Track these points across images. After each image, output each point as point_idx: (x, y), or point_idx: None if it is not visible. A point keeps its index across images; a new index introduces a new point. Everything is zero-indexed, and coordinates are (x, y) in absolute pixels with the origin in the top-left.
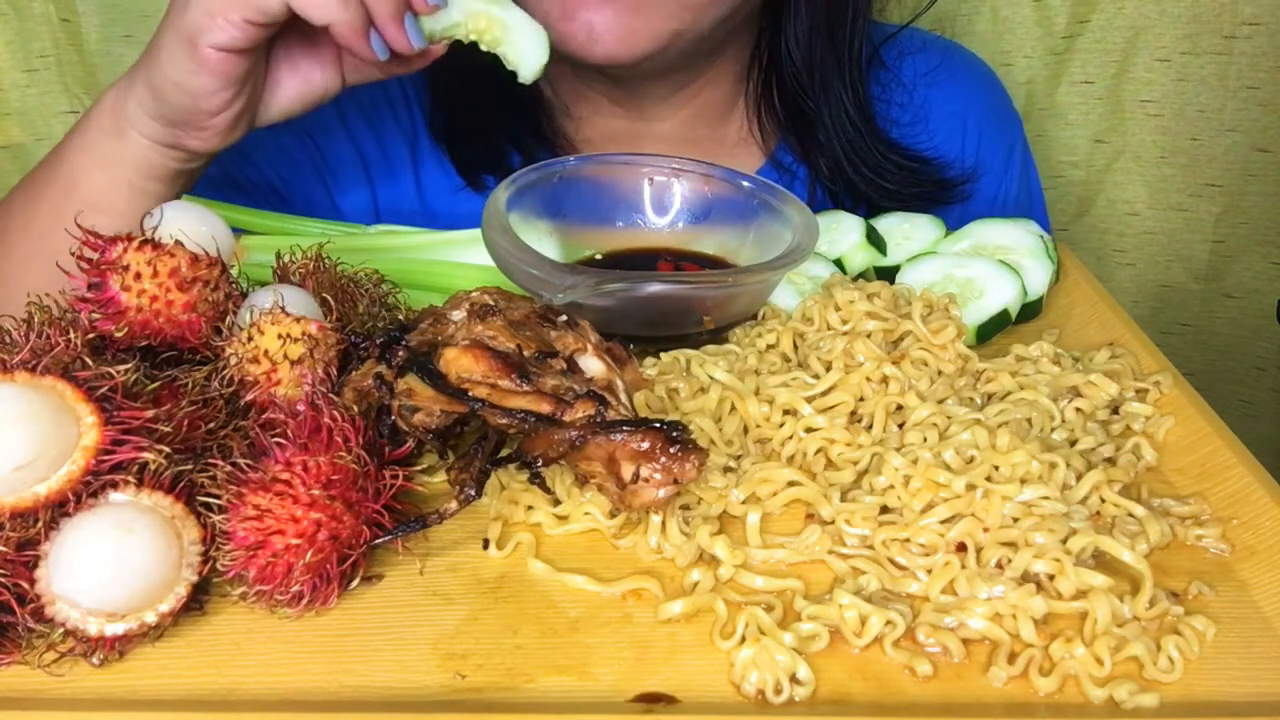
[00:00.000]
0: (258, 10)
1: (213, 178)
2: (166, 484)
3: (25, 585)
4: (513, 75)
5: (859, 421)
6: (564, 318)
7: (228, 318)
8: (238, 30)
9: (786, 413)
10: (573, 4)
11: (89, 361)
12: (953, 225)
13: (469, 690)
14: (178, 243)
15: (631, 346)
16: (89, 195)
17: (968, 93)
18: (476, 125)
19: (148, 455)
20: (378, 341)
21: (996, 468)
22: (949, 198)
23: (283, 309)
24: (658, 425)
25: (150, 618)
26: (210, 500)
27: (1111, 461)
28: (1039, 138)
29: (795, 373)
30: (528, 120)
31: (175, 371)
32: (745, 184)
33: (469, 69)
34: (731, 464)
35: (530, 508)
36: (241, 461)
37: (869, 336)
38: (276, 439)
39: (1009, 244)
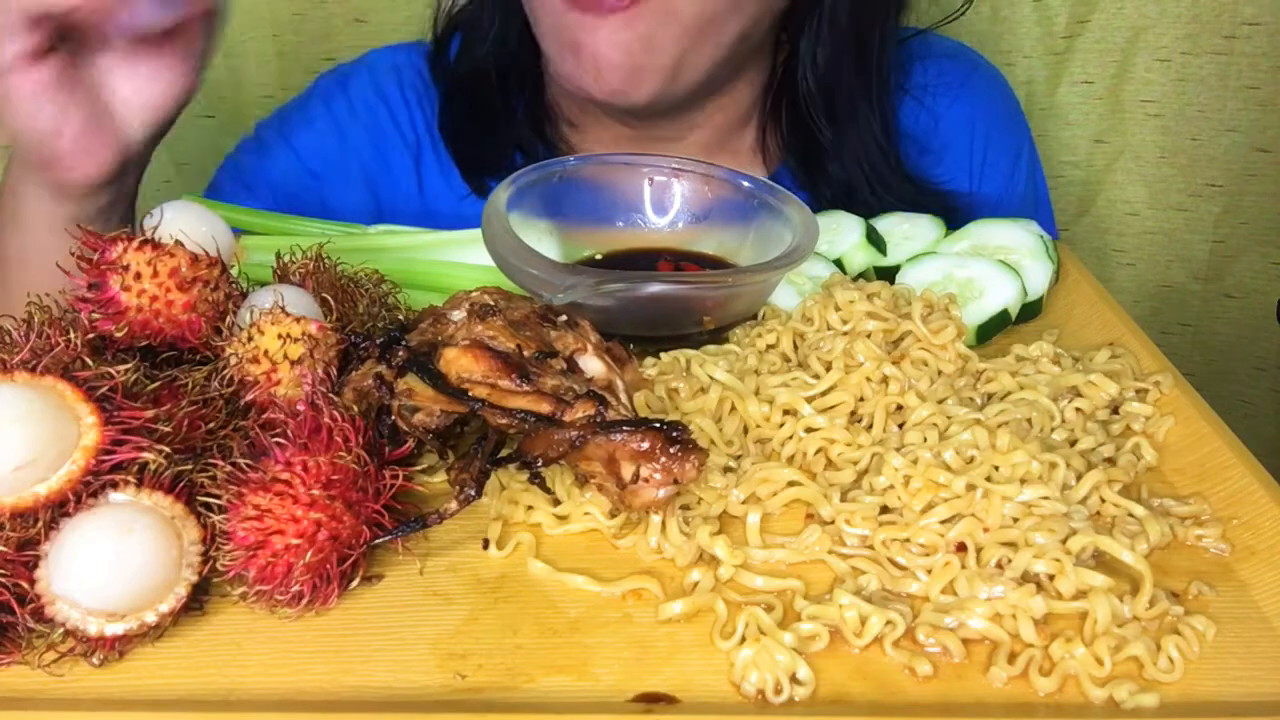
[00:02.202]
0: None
1: None
2: (166, 484)
3: (25, 585)
4: (522, 80)
5: (859, 421)
6: (564, 318)
7: (228, 318)
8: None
9: (786, 413)
10: (578, 34)
11: (89, 361)
12: (953, 228)
13: (469, 690)
14: (178, 243)
15: (631, 346)
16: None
17: (977, 97)
18: (481, 128)
19: (148, 455)
20: (378, 341)
21: (996, 468)
22: (955, 218)
23: (283, 309)
24: (658, 425)
25: (150, 618)
26: (210, 500)
27: (1111, 461)
28: (1039, 138)
29: (795, 373)
30: (534, 124)
31: (175, 371)
32: (745, 184)
33: (476, 70)
34: (731, 464)
35: (530, 508)
36: (241, 461)
37: (869, 336)
38: (276, 439)
39: (1009, 244)
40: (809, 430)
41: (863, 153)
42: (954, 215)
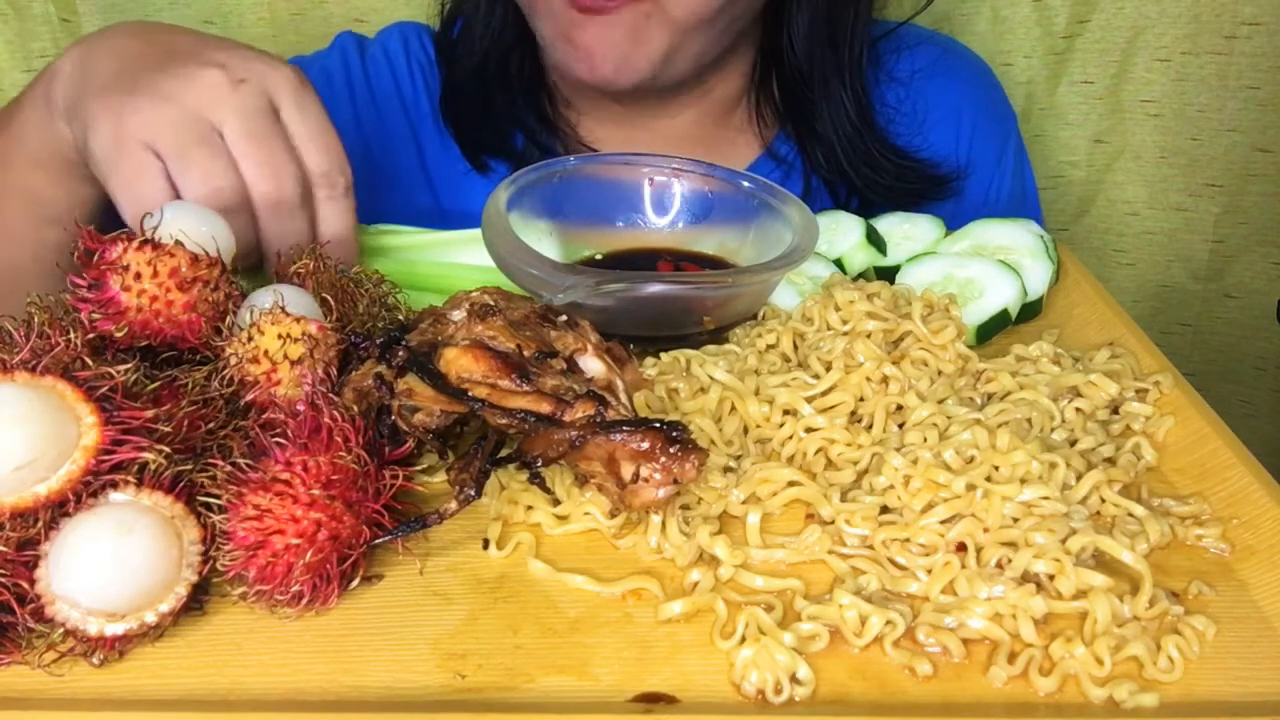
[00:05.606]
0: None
1: None
2: (166, 484)
3: (25, 585)
4: (521, 61)
5: (859, 421)
6: (564, 318)
7: (228, 318)
8: None
9: (786, 413)
10: (573, 29)
11: (89, 361)
12: (947, 223)
13: (469, 690)
14: (178, 243)
15: (631, 346)
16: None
17: (963, 89)
18: (483, 108)
19: (148, 455)
20: (378, 341)
21: (996, 468)
22: (942, 194)
23: (283, 309)
24: (658, 425)
25: (150, 618)
26: (210, 500)
27: (1111, 461)
28: (1039, 138)
29: (795, 373)
30: (533, 104)
31: (175, 371)
32: (745, 184)
33: (476, 54)
34: (731, 464)
35: (530, 508)
36: (241, 461)
37: (869, 336)
38: (276, 439)
39: (1009, 244)
40: (809, 430)
41: (837, 126)
42: (942, 189)
